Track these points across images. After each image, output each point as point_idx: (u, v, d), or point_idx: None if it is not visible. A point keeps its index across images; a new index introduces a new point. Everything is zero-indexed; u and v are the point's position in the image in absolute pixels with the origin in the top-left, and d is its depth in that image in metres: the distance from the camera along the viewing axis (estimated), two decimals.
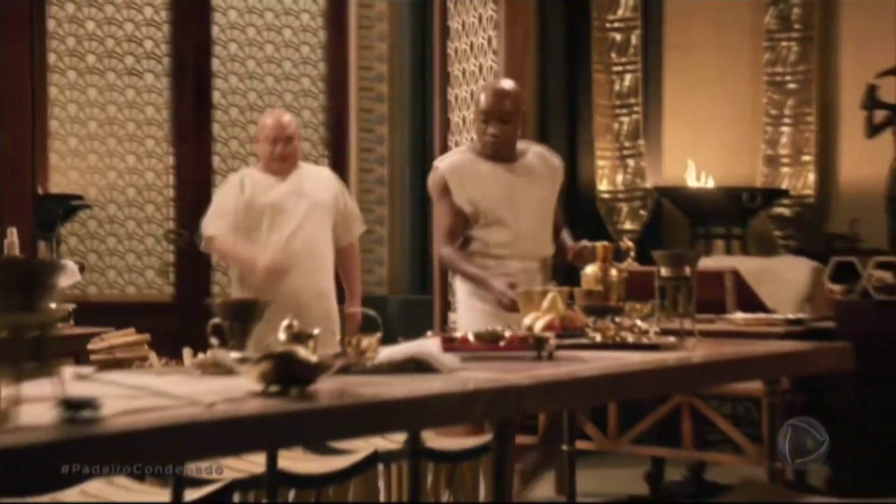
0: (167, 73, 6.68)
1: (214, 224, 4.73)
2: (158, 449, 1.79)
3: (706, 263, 4.58)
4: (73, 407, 1.77)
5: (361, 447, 3.46)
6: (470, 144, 4.27)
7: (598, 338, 3.03)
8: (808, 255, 5.80)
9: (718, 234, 6.50)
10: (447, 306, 5.94)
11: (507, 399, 2.23)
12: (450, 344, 2.64)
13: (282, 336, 2.40)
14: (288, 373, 2.10)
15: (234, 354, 2.21)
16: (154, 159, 6.66)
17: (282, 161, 4.73)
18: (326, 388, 2.13)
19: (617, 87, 7.07)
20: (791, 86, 6.98)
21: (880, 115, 6.37)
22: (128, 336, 4.60)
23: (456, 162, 4.06)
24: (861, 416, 4.18)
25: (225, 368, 2.53)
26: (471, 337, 2.75)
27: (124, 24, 6.66)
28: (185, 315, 5.98)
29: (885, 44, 6.68)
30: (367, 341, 2.57)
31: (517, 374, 2.38)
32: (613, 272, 3.38)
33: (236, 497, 2.93)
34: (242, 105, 6.88)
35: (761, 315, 4.23)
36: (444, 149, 6.48)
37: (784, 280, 5.24)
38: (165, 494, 2.95)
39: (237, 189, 4.73)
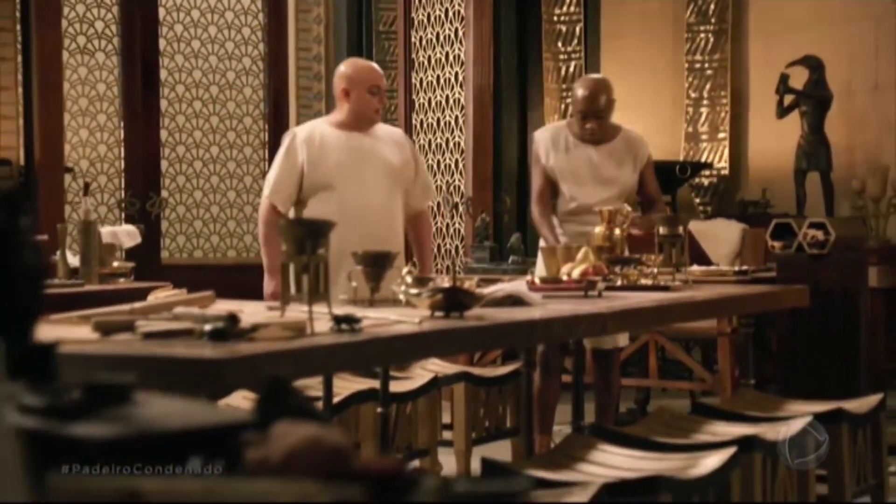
0: (117, 52, 6.78)
1: (269, 185, 4.37)
2: (400, 350, 2.53)
3: None
4: (341, 321, 2.47)
5: (419, 374, 4.25)
6: (569, 121, 4.80)
7: (619, 281, 3.86)
8: (724, 219, 6.68)
9: None
10: None
11: (598, 322, 3.02)
12: (529, 285, 3.45)
13: (408, 279, 3.16)
14: (453, 302, 2.85)
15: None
16: (106, 133, 6.77)
17: (379, 113, 4.41)
18: (470, 314, 2.77)
19: (563, 72, 7.59)
20: (708, 72, 7.58)
21: (789, 99, 7.06)
22: (167, 290, 5.25)
23: (553, 132, 4.72)
24: (791, 345, 4.82)
25: (367, 301, 3.23)
26: (537, 280, 3.57)
27: (76, 6, 6.75)
28: (137, 279, 6.18)
29: (786, 37, 7.32)
30: (469, 283, 3.35)
31: (591, 306, 3.19)
32: (617, 232, 4.20)
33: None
34: (188, 83, 7.02)
35: (713, 268, 5.07)
36: (409, 127, 7.20)
37: (718, 239, 6.10)
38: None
39: (303, 147, 4.33)
